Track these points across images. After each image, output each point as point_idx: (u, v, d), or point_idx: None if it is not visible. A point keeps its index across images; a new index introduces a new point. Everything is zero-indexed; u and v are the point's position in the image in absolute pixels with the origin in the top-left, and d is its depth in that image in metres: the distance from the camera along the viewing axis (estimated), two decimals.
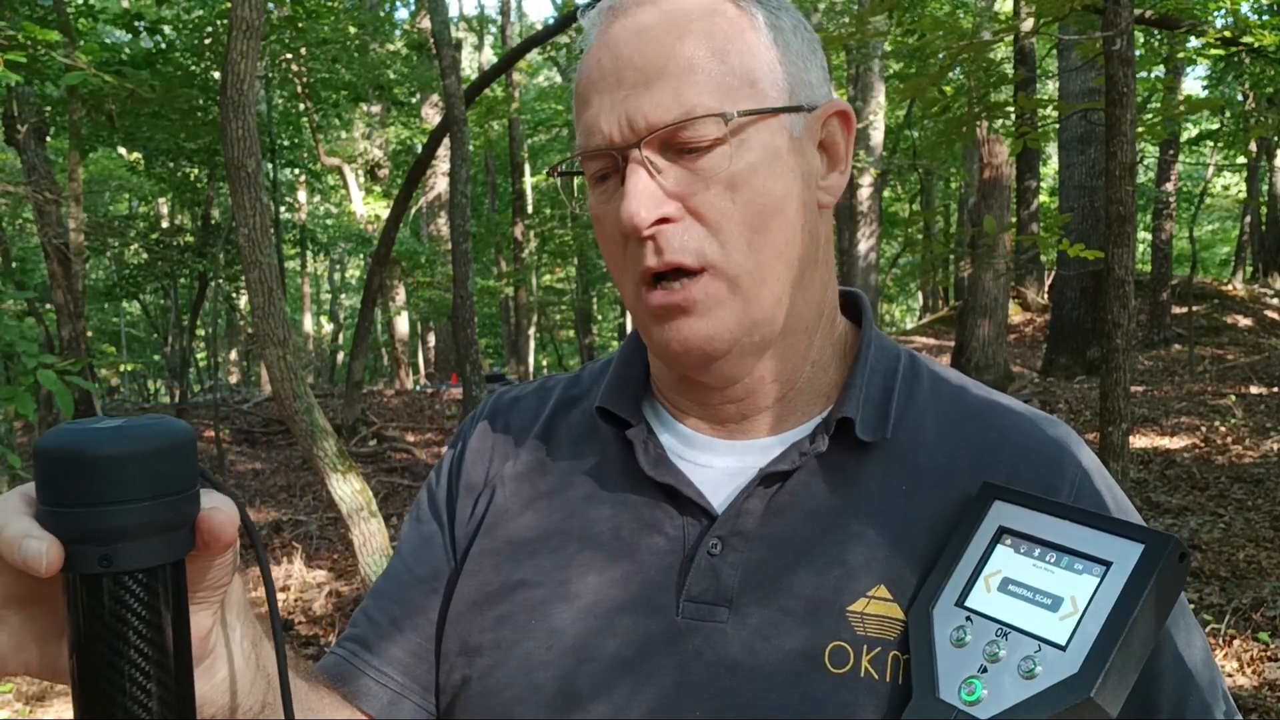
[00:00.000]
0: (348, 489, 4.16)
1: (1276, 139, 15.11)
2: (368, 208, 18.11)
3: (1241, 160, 17.24)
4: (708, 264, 0.71)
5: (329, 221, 20.96)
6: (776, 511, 0.75)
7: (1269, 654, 3.91)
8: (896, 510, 0.74)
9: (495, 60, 17.00)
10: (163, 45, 9.32)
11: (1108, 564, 0.64)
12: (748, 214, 0.71)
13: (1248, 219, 18.42)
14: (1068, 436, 0.78)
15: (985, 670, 0.64)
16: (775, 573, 0.73)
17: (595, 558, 0.78)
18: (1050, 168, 19.13)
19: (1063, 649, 0.62)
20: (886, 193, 19.62)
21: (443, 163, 13.21)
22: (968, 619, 0.67)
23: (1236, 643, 4.05)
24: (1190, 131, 15.04)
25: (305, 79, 11.90)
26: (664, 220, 0.71)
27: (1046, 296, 14.98)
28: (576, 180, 0.82)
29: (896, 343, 0.85)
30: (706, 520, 0.76)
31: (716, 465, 0.79)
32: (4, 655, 0.54)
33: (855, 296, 0.87)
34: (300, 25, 10.06)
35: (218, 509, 0.54)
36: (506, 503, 0.84)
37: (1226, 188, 23.06)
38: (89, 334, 11.57)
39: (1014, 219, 12.01)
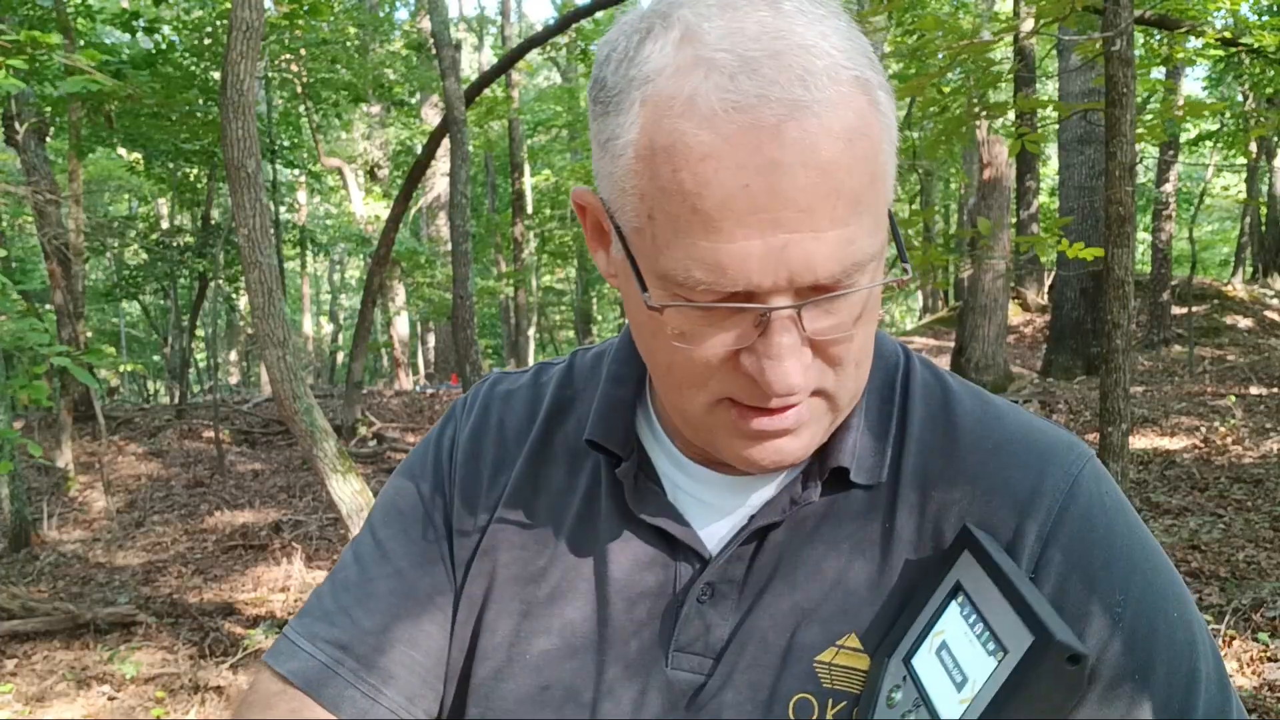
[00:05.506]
0: (347, 490, 4.16)
1: (1276, 139, 15.11)
2: (368, 208, 18.14)
3: (1241, 161, 17.25)
4: (818, 390, 0.65)
5: (329, 222, 20.99)
6: (765, 558, 0.72)
7: (1269, 654, 3.91)
8: (877, 553, 0.71)
9: (495, 60, 17.00)
10: (163, 46, 9.32)
11: (1005, 651, 0.60)
12: (867, 342, 0.66)
13: (1247, 219, 18.43)
14: (1064, 458, 0.71)
15: None
16: (759, 623, 0.71)
17: (587, 596, 0.75)
18: (1050, 168, 19.11)
19: None
20: None
21: (443, 163, 13.22)
22: (904, 678, 0.64)
23: (1236, 643, 4.04)
24: (1190, 132, 15.03)
25: (305, 79, 11.91)
26: None
27: (1046, 297, 14.98)
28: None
29: (895, 343, 0.80)
30: (699, 563, 0.73)
31: (710, 501, 0.75)
32: None
33: None
34: (300, 24, 10.06)
35: None
36: (503, 526, 0.80)
37: (1226, 188, 23.06)
38: (89, 334, 11.57)
39: (1014, 219, 12.01)
